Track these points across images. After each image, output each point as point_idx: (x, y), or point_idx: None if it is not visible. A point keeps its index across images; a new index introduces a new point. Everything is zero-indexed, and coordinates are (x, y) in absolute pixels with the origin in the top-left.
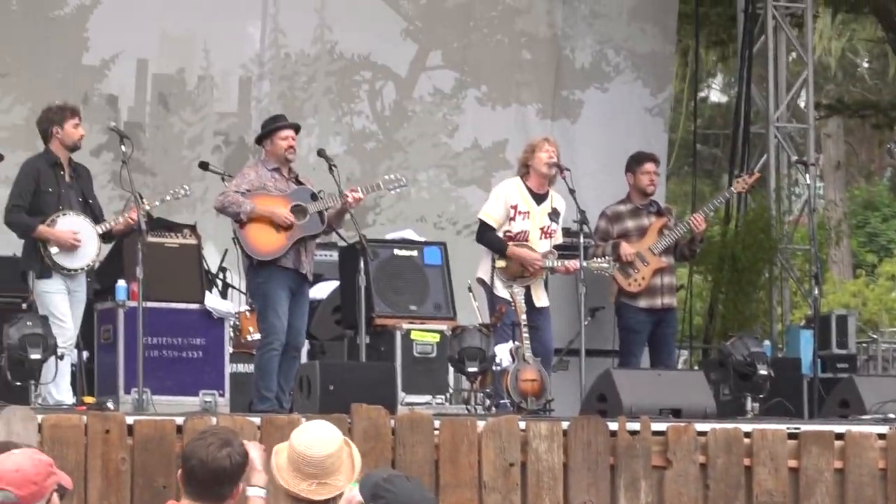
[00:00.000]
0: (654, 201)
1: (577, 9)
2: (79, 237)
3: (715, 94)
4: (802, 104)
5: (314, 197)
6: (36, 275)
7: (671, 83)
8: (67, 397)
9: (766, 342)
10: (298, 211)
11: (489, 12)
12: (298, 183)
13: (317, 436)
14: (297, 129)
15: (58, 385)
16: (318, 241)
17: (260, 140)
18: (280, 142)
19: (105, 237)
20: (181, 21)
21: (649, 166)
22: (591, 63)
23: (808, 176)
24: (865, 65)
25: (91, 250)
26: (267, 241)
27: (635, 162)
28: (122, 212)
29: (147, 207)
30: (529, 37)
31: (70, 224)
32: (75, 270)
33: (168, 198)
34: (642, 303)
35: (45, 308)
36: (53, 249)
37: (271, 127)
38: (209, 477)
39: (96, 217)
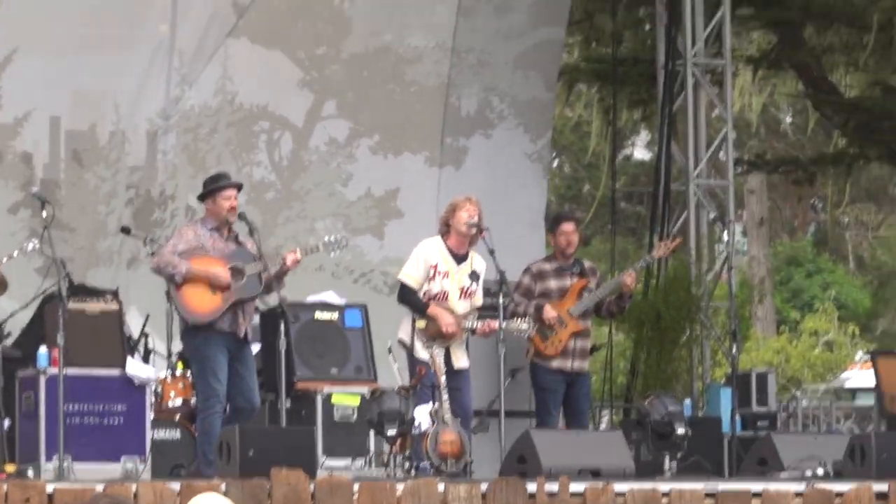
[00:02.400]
0: (578, 261)
1: (465, 58)
2: None
3: (639, 151)
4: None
5: (253, 258)
6: None
7: (550, 130)
8: None
9: (687, 401)
10: (236, 272)
11: (381, 62)
12: (238, 243)
13: None
14: (239, 187)
15: None
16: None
17: (202, 198)
18: (222, 202)
19: None
20: (91, 77)
21: (566, 227)
22: (476, 110)
23: (725, 233)
24: (788, 120)
25: None
26: (202, 303)
27: (553, 222)
28: None
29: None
30: (419, 86)
31: None
32: None
33: (16, 254)
34: (554, 364)
35: None
36: None
37: (213, 186)
38: None
39: None
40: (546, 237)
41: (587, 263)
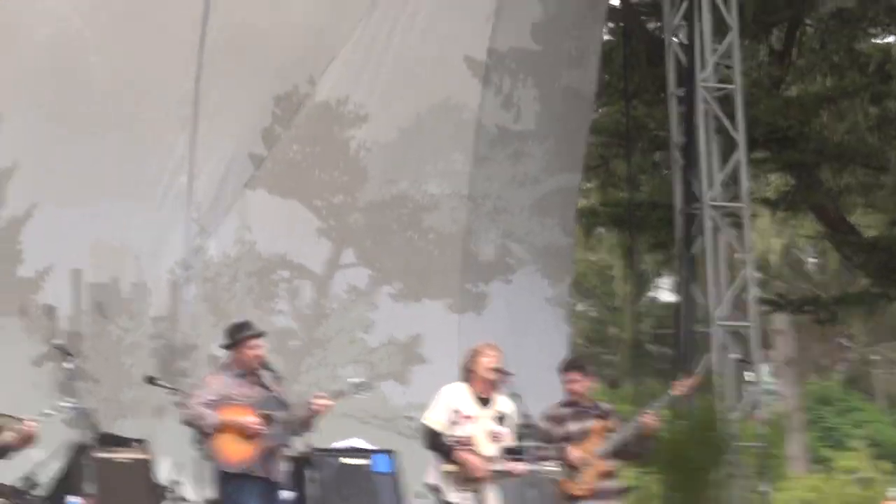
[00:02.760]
0: (596, 403)
1: (482, 205)
2: None
3: (664, 293)
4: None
5: (282, 404)
6: None
7: (570, 274)
8: None
9: None
10: (266, 419)
11: (399, 210)
12: (264, 387)
13: None
14: (262, 335)
15: None
16: None
17: (228, 347)
18: (248, 351)
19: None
20: (111, 228)
21: (572, 375)
22: (495, 256)
23: (749, 374)
24: (811, 260)
25: None
26: (236, 452)
27: (561, 370)
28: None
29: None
30: (437, 233)
31: None
32: None
33: (50, 411)
34: None
35: None
36: None
37: (240, 336)
38: None
39: None
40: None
41: (604, 405)
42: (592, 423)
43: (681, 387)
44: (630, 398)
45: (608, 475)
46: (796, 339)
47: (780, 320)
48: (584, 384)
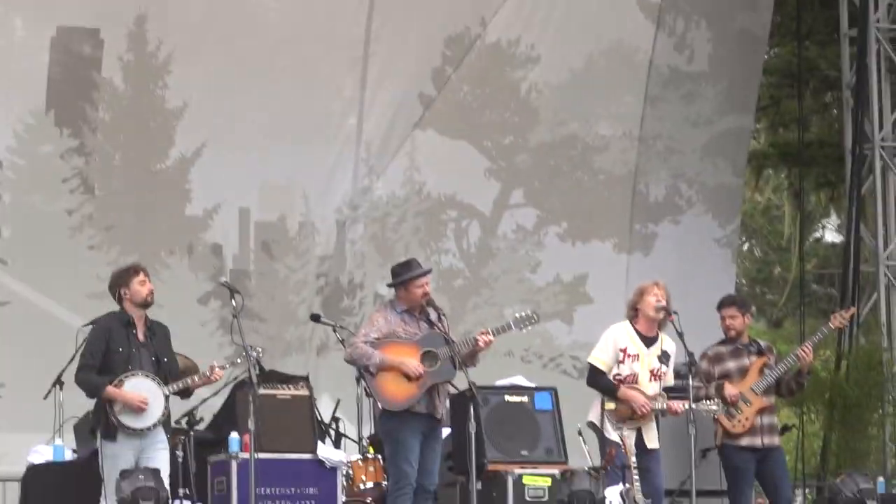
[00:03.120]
0: (754, 340)
1: (653, 146)
2: (145, 399)
3: (830, 234)
4: None
5: (446, 341)
6: (102, 435)
7: (739, 215)
8: None
9: (880, 479)
10: (429, 357)
11: (569, 151)
12: (429, 322)
13: None
14: (429, 273)
15: None
16: None
17: (394, 285)
18: (416, 290)
19: (182, 394)
20: (279, 169)
21: (725, 311)
22: (664, 197)
23: None
24: None
25: (157, 410)
26: (398, 391)
27: (718, 307)
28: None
29: (227, 367)
30: (607, 174)
31: (137, 385)
32: (140, 430)
33: (239, 360)
34: (744, 441)
35: (108, 469)
36: (118, 409)
37: (408, 276)
38: None
39: (168, 376)
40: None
41: (763, 343)
42: (750, 361)
43: (839, 319)
44: (793, 338)
45: (767, 411)
46: None
47: None
48: (740, 320)
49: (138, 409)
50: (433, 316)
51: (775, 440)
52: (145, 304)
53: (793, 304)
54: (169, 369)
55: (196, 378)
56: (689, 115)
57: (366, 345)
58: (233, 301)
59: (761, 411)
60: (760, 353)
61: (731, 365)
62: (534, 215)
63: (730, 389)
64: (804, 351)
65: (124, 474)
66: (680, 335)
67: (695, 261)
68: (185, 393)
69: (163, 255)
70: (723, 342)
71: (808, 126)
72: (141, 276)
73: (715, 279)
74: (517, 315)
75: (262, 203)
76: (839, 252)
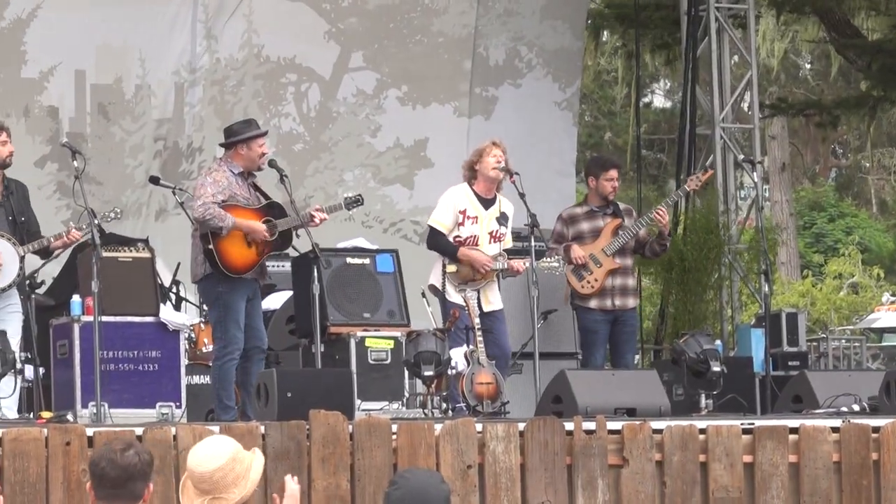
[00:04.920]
0: (612, 203)
1: (492, 8)
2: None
3: (658, 99)
4: (745, 107)
5: (284, 212)
6: None
7: (579, 78)
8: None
9: (718, 342)
10: (269, 226)
11: (408, 13)
12: (256, 187)
13: (207, 452)
14: (266, 134)
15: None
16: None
17: (231, 144)
18: (257, 148)
19: (41, 253)
20: (116, 32)
21: (613, 173)
22: (504, 60)
23: (755, 175)
24: (808, 66)
25: (12, 270)
26: (240, 257)
27: (600, 168)
28: (67, 231)
29: (84, 229)
30: (446, 37)
31: None
32: None
33: (97, 221)
34: (593, 303)
35: None
36: None
37: (249, 134)
38: (121, 474)
39: (27, 236)
40: (589, 182)
41: (622, 205)
42: (605, 222)
43: (695, 181)
44: (625, 203)
45: (620, 273)
46: (790, 144)
47: (775, 126)
48: (618, 183)
49: None
50: (258, 180)
51: (628, 302)
52: (4, 165)
53: (623, 169)
54: (27, 229)
55: (53, 238)
56: None
57: (215, 205)
58: (74, 162)
59: (612, 272)
60: (615, 214)
61: (585, 226)
62: (374, 79)
63: (576, 251)
64: (658, 213)
65: None
66: (521, 196)
67: (536, 124)
68: (44, 252)
69: None
70: (579, 204)
71: None
72: (3, 136)
73: (557, 143)
74: (347, 196)
75: (98, 65)
76: (668, 117)
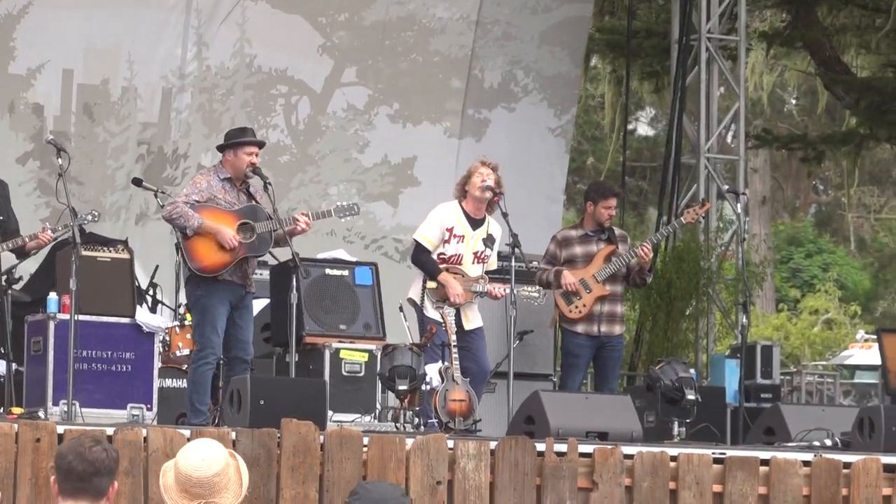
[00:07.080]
0: (608, 228)
1: (490, 31)
2: None
3: (642, 127)
4: (730, 138)
5: (266, 216)
6: None
7: (575, 105)
8: None
9: (691, 370)
10: (246, 229)
11: (405, 31)
12: (249, 195)
13: (202, 455)
14: (261, 145)
15: None
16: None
17: (222, 148)
18: (244, 156)
19: (16, 252)
20: (106, 33)
21: (612, 201)
22: (499, 83)
23: (738, 205)
24: (793, 101)
25: None
26: (210, 257)
27: (600, 194)
28: (41, 230)
29: (59, 230)
30: (442, 56)
31: None
32: None
33: (73, 224)
34: (580, 328)
35: None
36: None
37: (239, 140)
38: (87, 468)
39: (4, 234)
40: (587, 206)
41: (617, 231)
42: (598, 248)
43: (693, 214)
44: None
45: (609, 300)
46: (771, 178)
47: (757, 159)
48: (614, 212)
49: None
50: (255, 188)
51: (615, 329)
52: None
53: None
54: (5, 227)
55: (28, 238)
56: (528, 1)
57: (186, 205)
58: (59, 160)
59: (601, 299)
60: (610, 241)
61: (578, 250)
62: (365, 95)
63: (567, 277)
64: (643, 250)
65: None
66: (504, 215)
67: (528, 149)
68: (20, 252)
69: None
70: (574, 227)
71: (636, 14)
72: None
73: (548, 168)
74: (339, 203)
75: (86, 65)
76: (651, 145)
